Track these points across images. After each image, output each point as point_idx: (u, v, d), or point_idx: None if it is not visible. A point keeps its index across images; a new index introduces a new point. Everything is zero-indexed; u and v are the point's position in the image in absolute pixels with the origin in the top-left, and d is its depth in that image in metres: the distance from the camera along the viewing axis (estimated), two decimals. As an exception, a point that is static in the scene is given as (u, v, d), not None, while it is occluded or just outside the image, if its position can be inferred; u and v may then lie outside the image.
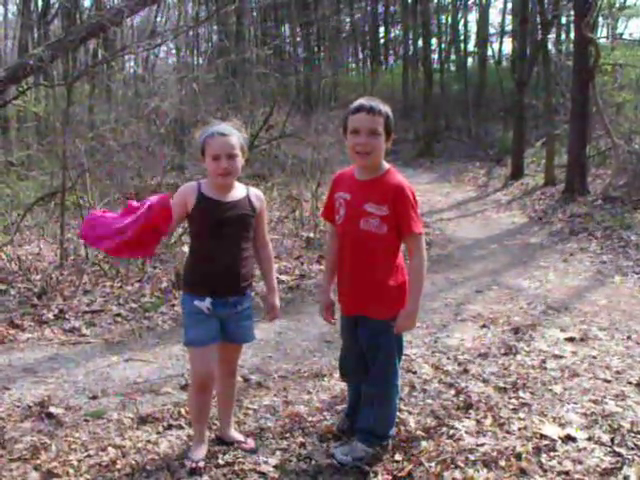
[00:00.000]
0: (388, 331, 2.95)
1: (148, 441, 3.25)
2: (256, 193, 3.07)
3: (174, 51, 21.35)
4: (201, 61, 24.56)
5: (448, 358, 4.46)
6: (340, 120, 3.04)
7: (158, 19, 21.49)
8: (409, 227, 2.84)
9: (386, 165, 2.95)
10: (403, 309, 2.91)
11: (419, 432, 3.25)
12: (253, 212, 3.00)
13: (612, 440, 3.12)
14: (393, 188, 2.86)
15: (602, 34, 23.98)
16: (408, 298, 2.92)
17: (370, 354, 3.00)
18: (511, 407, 3.55)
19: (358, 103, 2.87)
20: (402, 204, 2.84)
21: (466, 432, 3.23)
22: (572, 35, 18.53)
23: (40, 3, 19.46)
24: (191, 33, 20.37)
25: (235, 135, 2.92)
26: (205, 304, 2.92)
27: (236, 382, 3.28)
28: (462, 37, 29.93)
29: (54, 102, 12.04)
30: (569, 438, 3.14)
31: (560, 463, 2.92)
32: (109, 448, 3.17)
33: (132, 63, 19.65)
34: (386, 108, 2.86)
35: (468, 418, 3.42)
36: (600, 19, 21.32)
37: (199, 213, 2.92)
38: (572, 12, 16.05)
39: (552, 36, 20.55)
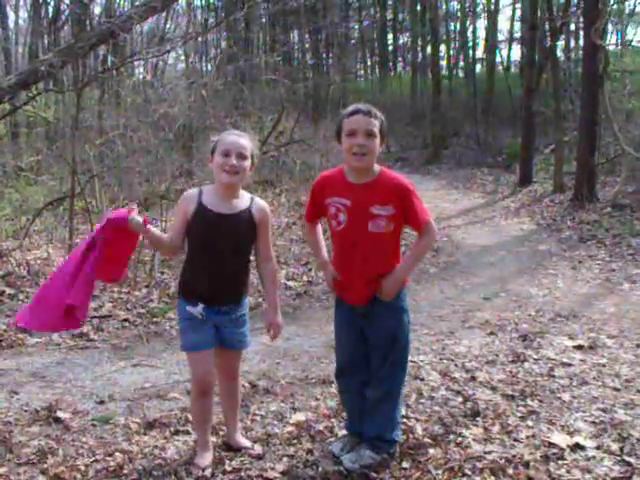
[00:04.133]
0: (403, 319, 3.03)
1: (155, 446, 3.25)
2: (260, 205, 3.00)
3: (183, 57, 21.47)
4: (210, 67, 24.68)
5: (456, 365, 4.45)
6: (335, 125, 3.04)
7: (167, 26, 21.62)
8: (420, 219, 2.95)
9: (377, 166, 2.99)
10: (390, 273, 2.96)
11: (426, 439, 3.24)
12: (252, 225, 2.94)
13: (621, 449, 3.10)
14: (396, 187, 2.92)
15: (611, 41, 24.00)
16: (402, 264, 3.00)
17: (385, 344, 3.00)
18: (519, 415, 3.54)
19: (354, 106, 2.93)
20: (409, 200, 2.91)
21: (474, 440, 3.22)
22: (581, 42, 18.51)
23: (50, 10, 19.61)
24: (200, 40, 20.46)
25: (248, 139, 2.94)
26: (198, 309, 2.91)
27: (239, 387, 3.27)
28: (471, 44, 29.92)
29: (64, 108, 12.12)
30: (578, 447, 3.12)
31: (569, 472, 2.90)
32: (116, 453, 3.17)
33: (141, 69, 19.76)
34: (380, 113, 2.93)
35: (476, 425, 3.40)
36: (610, 26, 21.31)
37: (195, 224, 2.90)
38: (581, 19, 16.04)
39: (561, 43, 20.55)
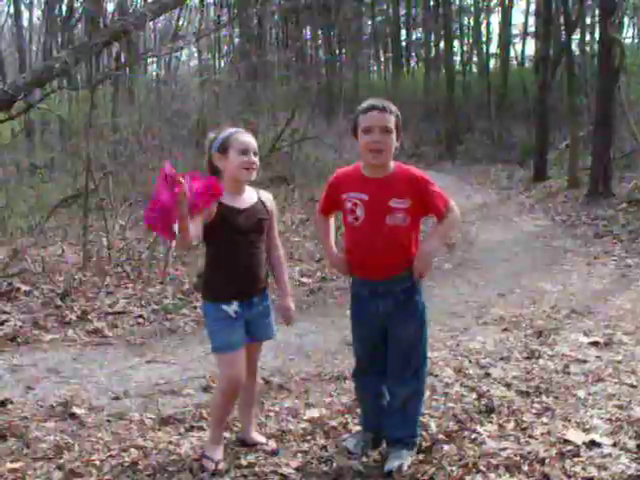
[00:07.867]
0: (424, 314, 3.03)
1: (170, 442, 3.26)
2: (267, 195, 3.13)
3: (196, 54, 21.51)
4: (223, 64, 24.71)
5: (470, 361, 4.42)
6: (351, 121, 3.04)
7: (180, 23, 21.65)
8: (443, 202, 2.93)
9: (392, 162, 2.99)
10: (421, 248, 2.93)
11: (441, 436, 3.22)
12: (268, 215, 3.06)
13: (638, 447, 3.06)
14: (411, 178, 2.93)
15: (628, 34, 23.78)
16: (431, 237, 2.97)
17: (410, 343, 2.99)
18: (534, 411, 3.51)
19: (368, 103, 2.93)
20: (426, 189, 2.91)
21: (488, 436, 3.20)
22: (597, 35, 18.34)
23: (64, 8, 19.68)
24: (213, 36, 20.49)
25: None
26: (233, 307, 2.94)
27: (257, 383, 3.29)
28: (484, 39, 29.76)
29: (77, 105, 12.19)
30: (593, 444, 3.09)
31: (584, 469, 2.87)
32: (131, 449, 3.18)
33: (155, 66, 19.83)
34: (395, 108, 2.91)
35: (490, 422, 3.38)
36: (626, 19, 21.12)
37: (221, 223, 2.92)
38: (597, 12, 15.90)
39: (576, 37, 20.37)
